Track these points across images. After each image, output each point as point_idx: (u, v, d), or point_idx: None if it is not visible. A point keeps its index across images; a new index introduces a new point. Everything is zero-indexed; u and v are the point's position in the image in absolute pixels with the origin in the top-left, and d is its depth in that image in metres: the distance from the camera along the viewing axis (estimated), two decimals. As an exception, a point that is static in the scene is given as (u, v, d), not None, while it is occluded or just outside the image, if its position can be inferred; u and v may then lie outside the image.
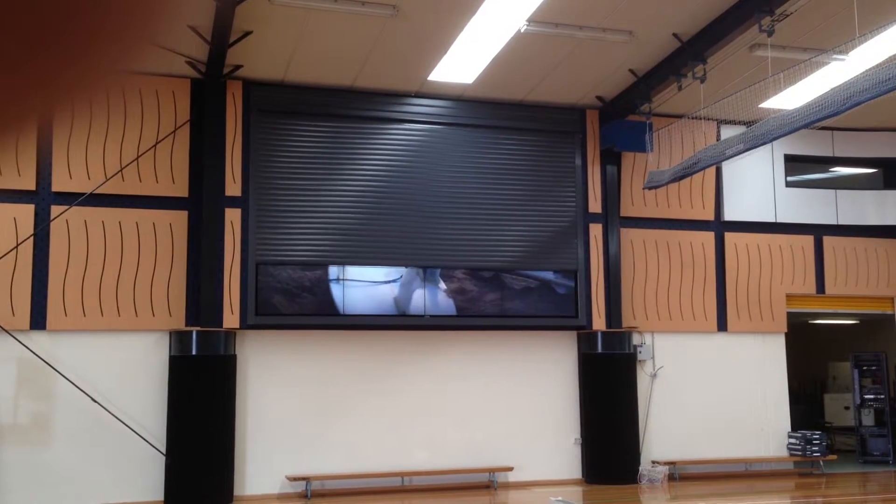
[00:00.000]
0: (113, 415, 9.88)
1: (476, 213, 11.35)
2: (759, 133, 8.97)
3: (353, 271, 10.85)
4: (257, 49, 9.75)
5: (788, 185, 12.94)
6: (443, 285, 11.15)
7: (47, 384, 9.83)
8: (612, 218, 11.93)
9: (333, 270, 10.78)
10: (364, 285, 10.89)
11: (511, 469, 11.24)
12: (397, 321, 10.98)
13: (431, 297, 11.07)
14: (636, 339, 12.04)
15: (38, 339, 9.84)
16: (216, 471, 9.97)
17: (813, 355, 17.23)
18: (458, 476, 11.07)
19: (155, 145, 10.32)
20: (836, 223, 13.04)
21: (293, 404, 10.66)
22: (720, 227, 12.65)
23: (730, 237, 12.63)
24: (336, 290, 10.75)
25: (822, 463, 12.38)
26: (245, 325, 10.40)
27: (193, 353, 10.09)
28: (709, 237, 12.57)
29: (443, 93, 11.25)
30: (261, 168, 10.66)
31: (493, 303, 11.32)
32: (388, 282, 10.98)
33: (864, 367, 14.19)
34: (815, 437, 12.31)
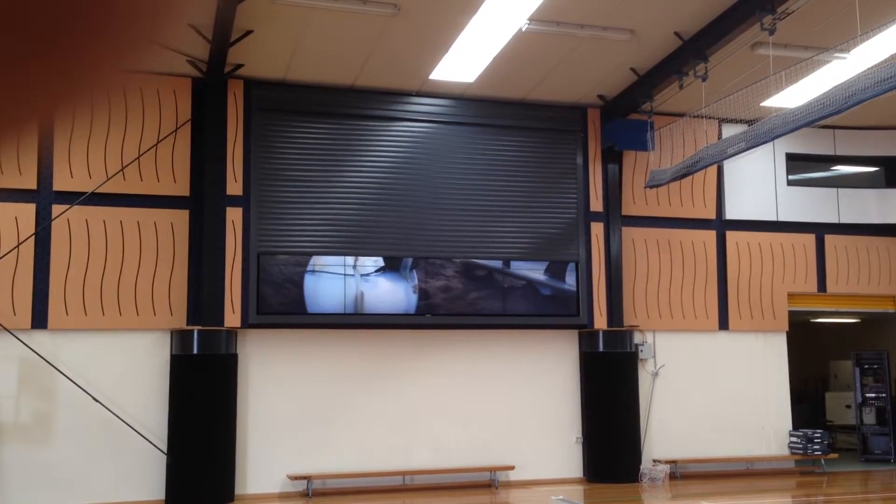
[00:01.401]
0: (114, 414, 9.88)
1: (478, 212, 11.35)
2: (761, 131, 8.96)
3: (354, 271, 10.85)
4: (258, 48, 9.75)
5: (790, 183, 12.93)
6: (445, 285, 11.15)
7: (48, 383, 9.84)
8: (614, 216, 11.92)
9: (334, 270, 10.77)
10: (366, 285, 10.89)
11: (512, 468, 11.24)
12: (399, 320, 10.98)
13: (433, 297, 11.07)
14: (637, 338, 12.03)
15: (39, 339, 9.85)
16: (217, 470, 9.98)
17: (814, 354, 17.23)
18: (459, 475, 11.07)
19: (156, 144, 10.32)
20: (837, 221, 13.03)
21: (294, 403, 10.67)
22: (722, 225, 12.64)
23: (731, 236, 12.63)
24: (337, 289, 10.74)
25: (823, 461, 12.38)
26: (246, 323, 10.40)
27: (195, 352, 10.10)
28: (710, 236, 12.56)
29: (444, 91, 11.24)
30: (262, 167, 10.66)
31: (495, 302, 11.31)
32: (390, 281, 10.98)
33: (866, 366, 14.18)
34: (816, 435, 12.31)
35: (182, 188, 10.44)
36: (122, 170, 10.16)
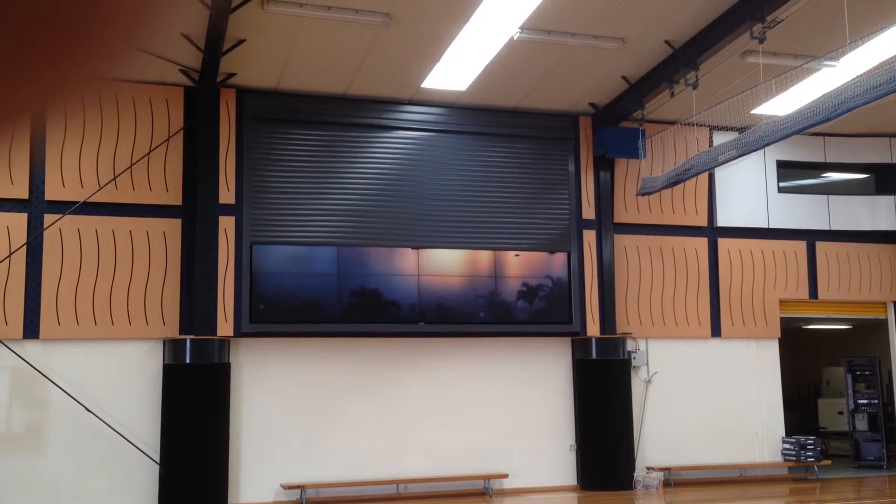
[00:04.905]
0: (106, 424, 9.84)
1: (470, 220, 11.36)
2: (752, 139, 9.00)
3: (347, 278, 10.85)
4: (250, 57, 9.76)
5: (781, 190, 12.99)
6: (438, 292, 11.15)
7: (40, 393, 9.80)
8: (606, 224, 11.95)
9: (326, 278, 10.77)
10: (358, 294, 10.88)
11: (506, 476, 11.22)
12: (392, 328, 10.98)
13: (426, 305, 11.07)
14: (630, 345, 12.05)
15: (31, 348, 9.81)
16: (210, 479, 9.94)
17: (807, 360, 17.27)
18: (453, 483, 11.05)
19: (148, 153, 10.31)
20: (828, 228, 13.09)
21: (287, 412, 10.64)
22: (713, 232, 12.68)
23: (723, 243, 12.67)
24: (330, 297, 10.74)
25: (816, 468, 12.40)
26: (239, 332, 10.38)
27: (187, 361, 10.07)
28: (702, 243, 12.60)
29: (436, 100, 11.27)
30: (254, 175, 10.66)
31: (488, 309, 11.32)
32: (382, 290, 10.98)
33: (858, 372, 14.21)
34: (809, 442, 12.33)
35: (174, 197, 10.43)
36: (114, 179, 10.14)
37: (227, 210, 10.50)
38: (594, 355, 11.68)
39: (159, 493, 9.86)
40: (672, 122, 11.42)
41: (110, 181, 10.13)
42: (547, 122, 11.86)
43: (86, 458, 9.85)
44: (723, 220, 12.67)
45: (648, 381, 12.10)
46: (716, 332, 12.48)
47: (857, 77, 7.79)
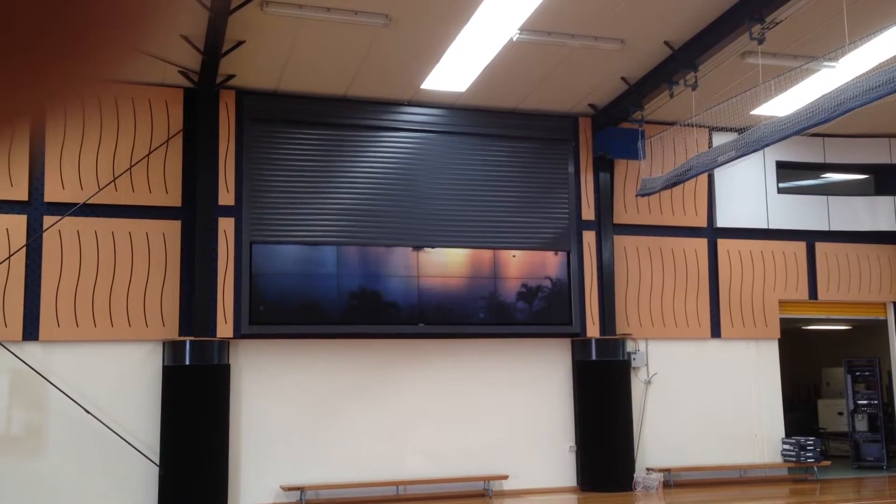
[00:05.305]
0: (106, 425, 9.84)
1: (470, 221, 11.36)
2: (751, 140, 9.01)
3: (347, 280, 10.85)
4: (250, 58, 9.76)
5: (780, 191, 12.99)
6: (437, 293, 11.15)
7: (40, 395, 9.79)
8: (606, 225, 11.95)
9: (325, 280, 10.77)
10: (358, 295, 10.88)
11: (506, 477, 11.22)
12: (392, 329, 10.97)
13: (426, 306, 11.06)
14: (630, 346, 12.05)
15: (30, 350, 9.81)
16: (210, 481, 9.93)
17: (806, 361, 17.27)
18: (452, 485, 11.05)
19: (148, 155, 10.31)
20: (827, 229, 13.10)
21: (287, 413, 10.64)
22: (713, 233, 12.69)
23: (722, 244, 12.67)
24: (329, 298, 10.74)
25: (815, 469, 12.40)
26: (238, 334, 10.38)
27: (187, 362, 10.07)
28: (702, 244, 12.60)
29: (436, 101, 11.27)
30: (254, 177, 10.66)
31: (487, 311, 11.32)
32: (383, 291, 10.97)
33: (858, 373, 14.22)
34: (809, 442, 12.33)
35: (174, 199, 10.43)
36: (113, 180, 10.14)
37: (226, 211, 10.50)
38: (594, 356, 11.68)
39: (159, 495, 9.85)
40: (671, 123, 11.42)
41: (110, 183, 10.12)
42: (547, 123, 11.86)
43: (85, 460, 9.84)
44: (722, 221, 12.67)
45: (648, 382, 12.10)
46: (715, 332, 12.48)
47: (857, 78, 7.79)
